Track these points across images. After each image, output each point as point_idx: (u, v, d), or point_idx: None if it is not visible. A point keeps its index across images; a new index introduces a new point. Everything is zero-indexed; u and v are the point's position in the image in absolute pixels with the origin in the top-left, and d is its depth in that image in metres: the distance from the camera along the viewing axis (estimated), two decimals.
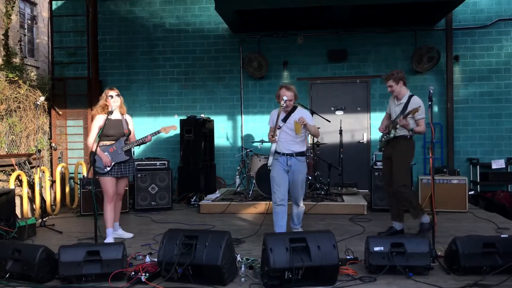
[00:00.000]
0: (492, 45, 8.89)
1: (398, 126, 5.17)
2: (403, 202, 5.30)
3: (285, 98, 4.92)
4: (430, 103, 4.59)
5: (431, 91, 4.58)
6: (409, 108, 5.12)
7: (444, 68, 8.91)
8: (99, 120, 5.25)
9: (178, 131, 8.48)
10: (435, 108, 8.96)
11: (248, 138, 9.42)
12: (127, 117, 5.47)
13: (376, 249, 3.95)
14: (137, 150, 8.70)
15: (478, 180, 8.61)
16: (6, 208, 5.23)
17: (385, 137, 5.46)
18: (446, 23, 8.86)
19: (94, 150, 4.91)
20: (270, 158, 5.15)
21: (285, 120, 5.04)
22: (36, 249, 3.89)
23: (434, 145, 8.76)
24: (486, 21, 8.87)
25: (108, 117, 5.06)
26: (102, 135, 5.14)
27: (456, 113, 8.92)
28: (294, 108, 5.12)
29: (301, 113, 5.08)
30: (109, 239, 5.18)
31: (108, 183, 5.20)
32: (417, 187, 7.27)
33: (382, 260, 3.91)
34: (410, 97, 5.25)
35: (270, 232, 4.87)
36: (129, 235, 5.54)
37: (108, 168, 5.16)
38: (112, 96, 5.20)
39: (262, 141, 8.11)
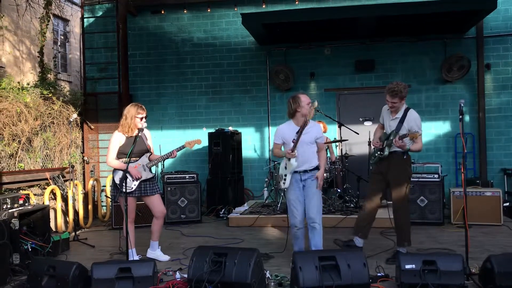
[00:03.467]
0: None
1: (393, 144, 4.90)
2: (401, 225, 5.00)
3: (313, 103, 4.82)
4: (460, 116, 4.50)
5: (462, 105, 4.49)
6: (406, 124, 4.88)
7: (475, 77, 8.73)
8: (118, 138, 5.02)
9: (206, 143, 8.64)
10: (467, 118, 8.77)
11: None
12: (146, 131, 5.20)
13: (408, 267, 3.88)
14: (166, 163, 8.81)
15: None
16: (41, 224, 5.38)
17: (378, 153, 5.13)
18: (477, 31, 8.69)
19: (124, 168, 4.78)
20: (288, 179, 4.83)
21: (297, 132, 4.73)
22: (70, 266, 3.99)
23: (466, 156, 8.57)
24: None
25: (139, 134, 4.95)
26: (122, 153, 4.98)
27: (488, 122, 8.71)
28: (306, 122, 4.72)
29: (315, 130, 4.81)
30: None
31: (129, 204, 4.97)
32: (448, 200, 7.12)
33: (414, 278, 3.84)
34: (406, 110, 4.97)
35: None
36: (165, 257, 5.24)
37: (135, 186, 5.01)
38: (142, 118, 5.02)
39: None
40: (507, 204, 7.96)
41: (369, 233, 5.31)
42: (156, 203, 5.20)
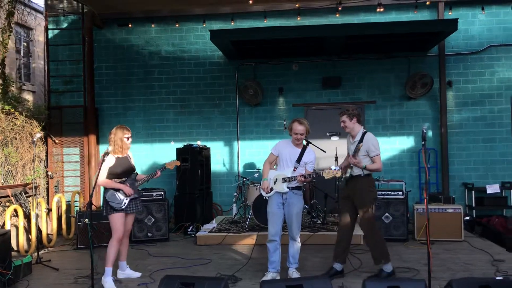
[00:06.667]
0: (484, 70, 9.00)
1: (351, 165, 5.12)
2: (372, 245, 5.18)
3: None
4: (423, 142, 4.62)
5: (425, 131, 4.62)
6: (363, 146, 5.08)
7: (438, 94, 9.00)
8: (110, 160, 5.23)
9: (174, 159, 8.56)
10: (430, 133, 9.03)
11: (244, 164, 9.46)
12: (129, 152, 5.52)
13: None
14: None
15: (474, 205, 8.63)
16: (2, 250, 5.20)
17: (344, 176, 5.32)
18: (439, 50, 8.97)
19: (116, 187, 5.15)
20: (271, 193, 5.22)
21: (298, 161, 5.14)
22: None
23: (429, 170, 8.83)
24: (478, 47, 8.99)
25: (116, 156, 5.26)
26: (111, 174, 5.20)
27: (450, 138, 8.99)
28: (304, 148, 5.23)
29: (309, 156, 5.20)
30: (107, 280, 5.04)
31: (120, 220, 5.17)
32: (412, 216, 7.31)
33: None
34: (363, 134, 5.19)
35: (265, 267, 4.92)
36: (137, 274, 5.46)
37: (126, 203, 5.18)
38: (128, 138, 5.33)
39: (258, 170, 8.15)
40: (468, 218, 8.23)
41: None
42: (131, 222, 5.49)
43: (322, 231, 7.14)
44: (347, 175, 5.23)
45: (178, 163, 5.65)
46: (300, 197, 5.27)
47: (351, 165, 5.14)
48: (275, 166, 5.44)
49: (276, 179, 5.18)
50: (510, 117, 8.91)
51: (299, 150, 5.20)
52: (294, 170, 5.12)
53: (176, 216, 8.32)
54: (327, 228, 7.35)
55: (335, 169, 4.91)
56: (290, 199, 5.16)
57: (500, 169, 8.92)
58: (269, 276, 5.08)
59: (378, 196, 7.10)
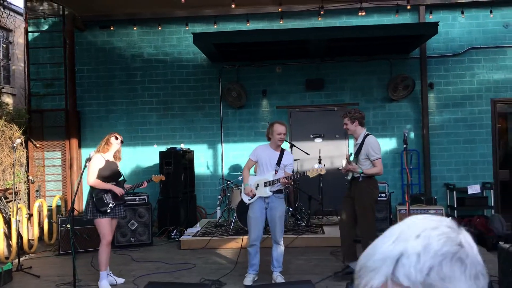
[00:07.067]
0: (465, 72, 9.12)
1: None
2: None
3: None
4: (405, 146, 4.68)
5: (406, 135, 4.68)
6: (363, 150, 5.13)
7: (419, 96, 9.10)
8: (99, 160, 5.30)
9: (157, 162, 8.55)
10: (412, 135, 9.13)
11: (229, 167, 9.44)
12: (118, 163, 5.65)
13: None
14: None
15: (455, 206, 8.74)
16: None
17: (346, 177, 5.41)
18: (420, 52, 9.07)
19: (107, 187, 5.21)
20: (254, 198, 5.23)
21: (278, 164, 5.15)
22: None
23: (412, 171, 8.92)
24: (458, 49, 9.11)
25: (106, 159, 5.32)
26: (101, 176, 5.26)
27: (432, 139, 9.09)
28: (283, 151, 5.25)
29: (288, 158, 5.22)
30: (102, 283, 5.12)
31: (108, 225, 5.22)
32: (395, 216, 7.38)
33: None
34: (365, 137, 5.22)
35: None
36: (120, 280, 5.46)
37: (111, 207, 5.21)
38: (117, 138, 5.43)
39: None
40: (450, 218, 8.32)
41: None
42: (114, 227, 5.50)
43: (306, 234, 7.17)
44: (348, 177, 5.30)
45: (163, 178, 5.93)
46: (282, 200, 5.29)
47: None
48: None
49: (258, 184, 5.18)
50: (490, 119, 9.05)
51: (278, 153, 5.21)
52: (275, 173, 5.13)
53: (160, 220, 8.27)
54: (311, 230, 7.38)
55: (319, 167, 4.97)
56: (273, 203, 5.17)
57: (480, 170, 9.05)
58: (250, 277, 5.10)
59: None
